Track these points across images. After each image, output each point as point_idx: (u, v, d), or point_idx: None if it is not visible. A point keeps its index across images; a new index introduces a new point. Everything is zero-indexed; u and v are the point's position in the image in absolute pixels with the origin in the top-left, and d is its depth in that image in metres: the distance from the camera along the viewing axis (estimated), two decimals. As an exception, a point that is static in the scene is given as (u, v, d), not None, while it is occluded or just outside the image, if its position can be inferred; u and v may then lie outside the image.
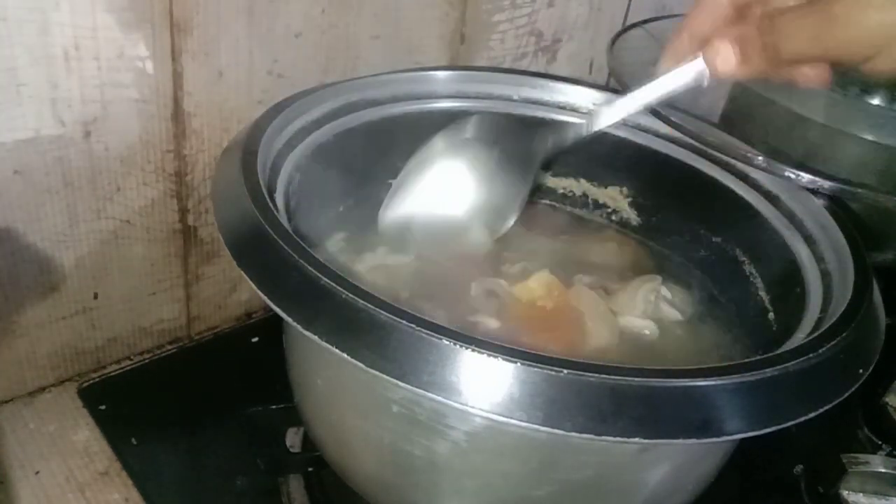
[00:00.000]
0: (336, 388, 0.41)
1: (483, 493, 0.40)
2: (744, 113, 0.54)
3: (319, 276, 0.34)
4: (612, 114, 0.45)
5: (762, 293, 0.49)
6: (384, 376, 0.32)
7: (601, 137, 0.56)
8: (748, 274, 0.51)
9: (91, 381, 0.57)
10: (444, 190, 0.48)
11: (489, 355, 0.31)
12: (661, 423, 0.32)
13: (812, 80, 0.35)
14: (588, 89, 0.57)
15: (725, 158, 0.52)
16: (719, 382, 0.33)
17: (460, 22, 0.64)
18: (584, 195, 0.59)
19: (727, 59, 0.34)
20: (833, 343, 0.36)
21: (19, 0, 0.43)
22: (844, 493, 0.53)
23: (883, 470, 0.53)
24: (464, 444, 0.37)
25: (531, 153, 0.48)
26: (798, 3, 0.33)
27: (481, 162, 0.48)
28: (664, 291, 0.50)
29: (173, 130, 0.52)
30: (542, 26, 0.71)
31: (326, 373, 0.41)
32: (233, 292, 0.62)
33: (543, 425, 0.31)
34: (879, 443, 0.58)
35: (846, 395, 0.35)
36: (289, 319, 0.34)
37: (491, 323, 0.45)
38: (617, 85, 0.56)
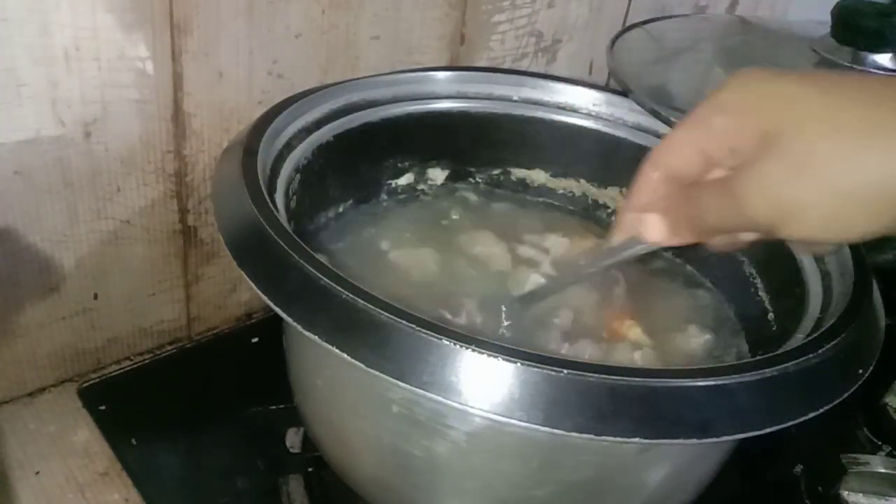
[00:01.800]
0: (336, 388, 0.41)
1: (483, 494, 0.40)
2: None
3: (319, 276, 0.34)
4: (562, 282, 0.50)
5: (762, 293, 0.49)
6: (384, 376, 0.32)
7: (601, 138, 0.56)
8: (748, 274, 0.51)
9: (91, 382, 0.57)
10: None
11: (489, 355, 0.31)
12: (661, 423, 0.32)
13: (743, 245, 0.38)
14: (588, 90, 0.57)
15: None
16: (719, 382, 0.33)
17: (460, 22, 0.64)
18: (584, 195, 0.59)
19: (658, 230, 0.38)
20: (833, 343, 0.36)
21: (20, 0, 0.43)
22: (844, 493, 0.53)
23: (883, 470, 0.53)
24: (464, 444, 0.37)
25: None
26: (714, 180, 0.36)
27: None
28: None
29: (173, 131, 0.52)
30: (542, 27, 0.71)
31: (326, 373, 0.41)
32: (233, 293, 0.62)
33: (543, 425, 0.31)
34: (879, 443, 0.58)
35: (846, 395, 0.35)
36: (289, 320, 0.34)
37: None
38: (617, 85, 0.57)
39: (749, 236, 0.37)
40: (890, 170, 0.30)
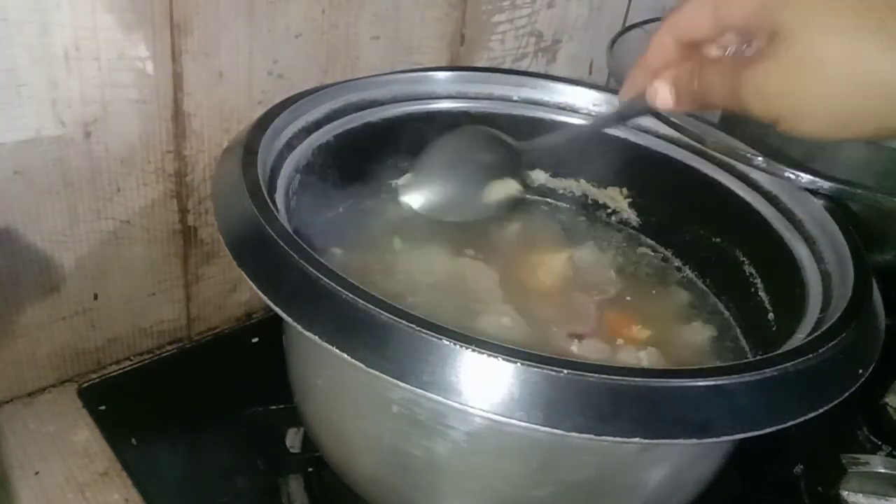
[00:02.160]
0: (336, 388, 0.41)
1: (483, 494, 0.40)
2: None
3: (319, 276, 0.34)
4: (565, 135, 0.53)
5: (762, 293, 0.49)
6: (384, 376, 0.32)
7: (601, 138, 0.56)
8: (748, 274, 0.51)
9: (91, 382, 0.57)
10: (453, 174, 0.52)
11: (489, 355, 0.31)
12: (661, 423, 0.32)
13: None
14: (588, 90, 0.57)
15: (725, 159, 0.52)
16: (719, 382, 0.33)
17: (460, 23, 0.64)
18: (584, 195, 0.59)
19: (664, 98, 0.39)
20: (833, 343, 0.36)
21: (20, 0, 0.43)
22: (844, 493, 0.53)
23: (883, 470, 0.53)
24: (464, 444, 0.37)
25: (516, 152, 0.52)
26: (721, 58, 0.37)
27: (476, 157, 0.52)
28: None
29: (173, 131, 0.52)
30: (542, 27, 0.71)
31: (326, 373, 0.41)
32: (233, 293, 0.62)
33: (543, 425, 0.31)
34: (879, 443, 0.58)
35: (846, 395, 0.35)
36: (289, 320, 0.34)
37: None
38: (617, 85, 0.57)
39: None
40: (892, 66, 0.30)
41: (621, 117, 0.49)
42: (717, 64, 0.36)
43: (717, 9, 0.36)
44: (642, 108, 0.41)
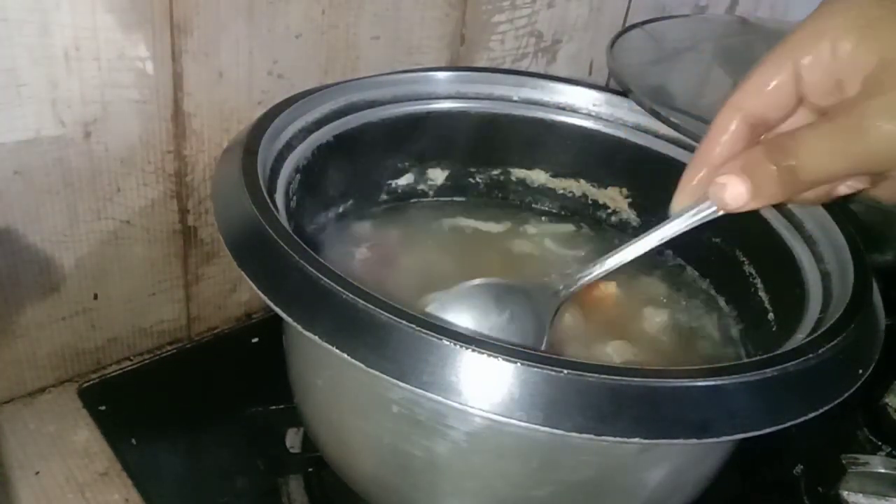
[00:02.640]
0: (336, 388, 0.41)
1: (483, 494, 0.40)
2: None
3: (319, 276, 0.34)
4: (618, 259, 0.42)
5: (762, 293, 0.49)
6: (384, 376, 0.32)
7: (601, 138, 0.56)
8: (748, 274, 0.51)
9: (91, 382, 0.57)
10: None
11: (489, 355, 0.31)
12: (661, 423, 0.32)
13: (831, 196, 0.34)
14: (588, 90, 0.57)
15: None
16: (719, 382, 0.33)
17: (460, 23, 0.64)
18: (584, 196, 0.59)
19: (737, 194, 0.32)
20: (833, 343, 0.36)
21: (20, 0, 0.43)
22: (844, 493, 0.53)
23: (883, 470, 0.53)
24: (464, 444, 0.37)
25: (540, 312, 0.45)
26: (810, 122, 0.31)
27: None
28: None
29: (173, 131, 0.52)
30: (542, 27, 0.71)
31: (326, 373, 0.41)
32: (233, 293, 0.62)
33: (543, 425, 0.31)
34: (879, 443, 0.58)
35: (846, 395, 0.35)
36: (289, 320, 0.34)
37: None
38: (617, 85, 0.57)
39: (845, 188, 0.33)
40: None
41: (676, 232, 0.38)
42: (810, 127, 0.30)
43: (800, 83, 0.30)
44: (706, 213, 0.34)
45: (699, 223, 0.36)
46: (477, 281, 0.42)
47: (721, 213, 0.34)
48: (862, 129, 0.29)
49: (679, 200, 0.36)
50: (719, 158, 0.33)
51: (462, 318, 0.41)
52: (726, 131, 0.33)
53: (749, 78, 0.33)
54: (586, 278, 0.42)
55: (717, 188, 0.33)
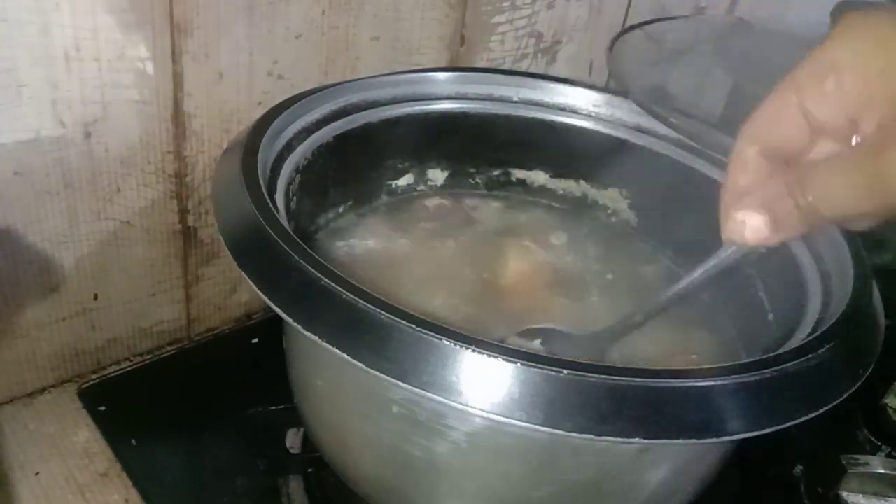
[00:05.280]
0: (336, 388, 0.41)
1: (483, 494, 0.40)
2: (744, 113, 0.54)
3: (319, 276, 0.34)
4: (657, 307, 0.42)
5: (762, 293, 0.49)
6: (384, 377, 0.32)
7: (601, 139, 0.56)
8: (748, 274, 0.51)
9: (91, 382, 0.57)
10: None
11: (489, 355, 0.31)
12: (661, 423, 0.32)
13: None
14: (587, 91, 0.57)
15: (725, 159, 0.52)
16: (719, 382, 0.33)
17: (460, 23, 0.64)
18: (584, 196, 0.59)
19: (756, 229, 0.31)
20: (833, 343, 0.36)
21: (20, 1, 0.43)
22: (844, 493, 0.53)
23: (882, 471, 0.53)
24: (464, 444, 0.37)
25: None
26: (833, 156, 0.30)
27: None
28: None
29: (173, 131, 0.52)
30: (542, 28, 0.71)
31: (326, 373, 0.41)
32: (233, 293, 0.62)
33: (543, 425, 0.31)
34: (879, 444, 0.58)
35: (846, 395, 0.35)
36: (289, 320, 0.34)
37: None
38: (616, 86, 0.57)
39: (865, 223, 0.32)
40: None
41: (709, 272, 0.38)
42: (830, 162, 0.29)
43: (817, 113, 0.29)
44: (730, 251, 0.34)
45: (729, 261, 0.36)
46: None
47: (745, 251, 0.34)
48: (886, 164, 0.28)
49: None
50: (741, 190, 0.32)
51: None
52: (745, 160, 0.32)
53: (758, 110, 0.32)
54: (628, 329, 0.43)
55: (735, 224, 0.32)
